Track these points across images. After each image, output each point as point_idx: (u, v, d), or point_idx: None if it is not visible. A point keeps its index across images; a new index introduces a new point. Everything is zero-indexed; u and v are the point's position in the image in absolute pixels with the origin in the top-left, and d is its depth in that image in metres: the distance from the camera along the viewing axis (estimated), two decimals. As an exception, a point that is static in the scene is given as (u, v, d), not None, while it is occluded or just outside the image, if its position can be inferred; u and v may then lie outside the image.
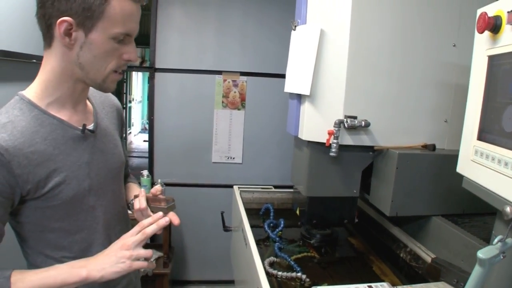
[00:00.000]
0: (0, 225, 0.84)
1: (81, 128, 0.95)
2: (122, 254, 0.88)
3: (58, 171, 0.90)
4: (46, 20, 0.84)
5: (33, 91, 0.90)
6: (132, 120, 9.14)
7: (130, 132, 8.87)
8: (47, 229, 0.92)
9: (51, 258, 0.94)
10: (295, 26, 1.51)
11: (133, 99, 9.08)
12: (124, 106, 7.66)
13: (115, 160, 1.08)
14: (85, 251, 0.97)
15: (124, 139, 1.21)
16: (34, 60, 1.79)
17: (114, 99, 1.18)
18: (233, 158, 3.13)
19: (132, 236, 0.92)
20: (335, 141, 1.37)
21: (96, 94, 1.09)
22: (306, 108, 1.45)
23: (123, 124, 1.22)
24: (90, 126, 0.99)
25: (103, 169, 1.01)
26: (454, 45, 1.45)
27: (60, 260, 0.93)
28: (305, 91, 1.41)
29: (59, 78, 0.90)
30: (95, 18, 0.83)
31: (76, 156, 0.93)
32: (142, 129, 10.31)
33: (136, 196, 1.10)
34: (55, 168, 0.89)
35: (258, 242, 1.71)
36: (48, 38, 0.87)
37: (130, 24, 0.88)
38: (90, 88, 0.99)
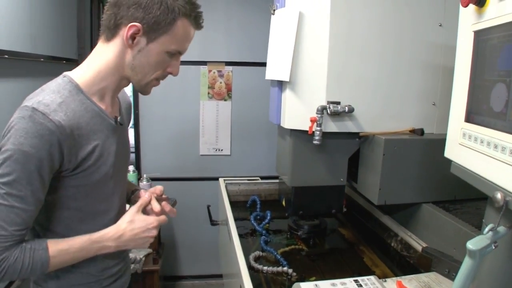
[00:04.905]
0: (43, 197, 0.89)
1: (114, 119, 1.03)
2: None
3: (93, 155, 0.94)
4: (116, 19, 0.92)
5: (82, 76, 0.95)
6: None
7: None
8: (64, 207, 0.96)
9: (59, 235, 0.95)
10: (274, 10, 1.44)
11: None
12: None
13: (129, 154, 1.20)
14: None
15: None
16: (22, 58, 1.73)
17: (128, 97, 1.26)
18: (221, 150, 3.06)
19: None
20: (318, 128, 1.31)
21: None
22: (287, 95, 1.39)
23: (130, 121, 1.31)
24: (119, 119, 1.07)
25: (122, 161, 1.09)
26: (440, 25, 1.40)
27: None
28: (285, 77, 1.34)
29: (110, 71, 0.97)
30: (160, 32, 0.93)
31: (108, 144, 1.00)
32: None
33: (133, 192, 1.23)
34: (91, 151, 0.94)
35: (245, 236, 1.66)
36: (110, 34, 0.95)
37: (186, 44, 1.00)
38: None
